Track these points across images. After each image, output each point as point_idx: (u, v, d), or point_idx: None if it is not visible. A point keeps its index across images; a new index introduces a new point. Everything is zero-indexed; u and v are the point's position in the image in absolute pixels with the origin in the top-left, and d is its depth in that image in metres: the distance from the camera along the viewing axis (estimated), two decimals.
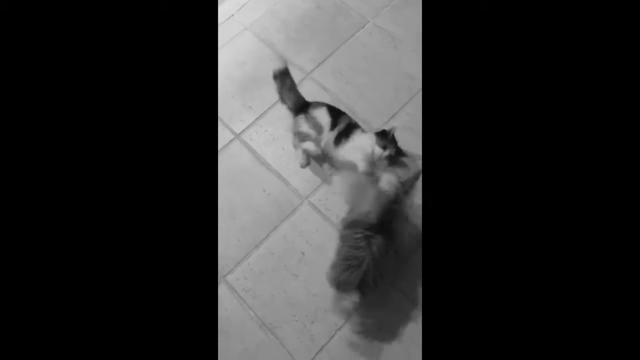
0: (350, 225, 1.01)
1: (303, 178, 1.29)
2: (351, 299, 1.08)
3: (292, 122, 1.32)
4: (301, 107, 1.31)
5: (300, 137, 1.29)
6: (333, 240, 1.19)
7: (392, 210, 1.00)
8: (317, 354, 1.08)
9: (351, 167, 1.23)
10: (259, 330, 1.11)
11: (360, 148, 1.21)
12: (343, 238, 1.02)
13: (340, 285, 1.01)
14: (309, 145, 1.27)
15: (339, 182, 1.25)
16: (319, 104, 1.30)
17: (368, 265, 0.97)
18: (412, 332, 1.08)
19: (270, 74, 1.36)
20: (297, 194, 1.27)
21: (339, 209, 1.24)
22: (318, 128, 1.27)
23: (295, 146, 1.31)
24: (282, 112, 1.39)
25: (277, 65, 1.33)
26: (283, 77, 1.33)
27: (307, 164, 1.29)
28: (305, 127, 1.28)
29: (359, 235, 0.98)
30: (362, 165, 1.21)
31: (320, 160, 1.30)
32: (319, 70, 1.45)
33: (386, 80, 1.40)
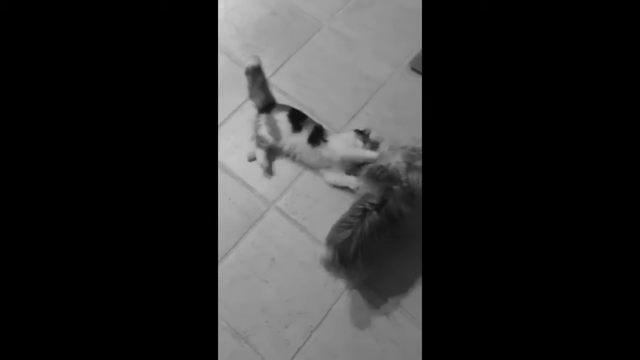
0: (361, 198, 1.08)
1: (268, 184, 1.29)
2: (332, 268, 1.04)
3: (254, 120, 1.32)
4: (268, 106, 1.32)
5: (257, 141, 1.30)
6: (302, 243, 1.20)
7: (392, 191, 1.04)
8: (293, 357, 1.07)
9: (341, 162, 1.25)
10: (233, 340, 1.09)
11: (346, 142, 1.24)
12: (351, 206, 1.08)
13: (328, 241, 1.04)
14: (260, 152, 1.29)
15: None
16: (283, 107, 1.31)
17: (354, 234, 1.00)
18: (385, 327, 1.10)
19: (226, 81, 1.36)
20: (263, 199, 1.27)
21: (306, 211, 1.24)
22: (276, 134, 1.27)
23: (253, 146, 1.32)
24: (244, 119, 1.38)
25: (251, 62, 1.33)
26: (255, 74, 1.33)
27: (266, 167, 1.29)
28: (264, 131, 1.28)
29: (359, 207, 1.04)
30: (352, 158, 1.23)
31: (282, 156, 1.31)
32: (277, 75, 1.45)
33: (344, 82, 1.43)
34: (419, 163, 1.07)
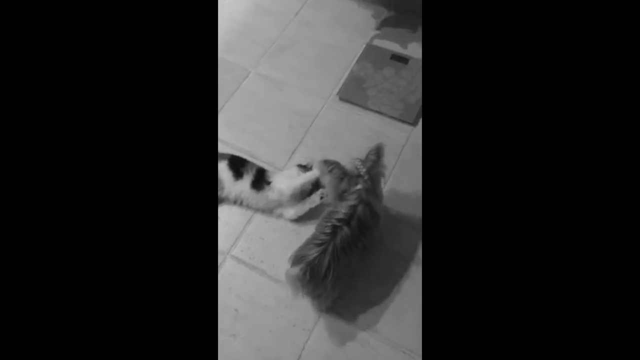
0: (326, 216, 1.06)
1: (221, 234, 1.26)
2: (300, 285, 1.00)
3: None
4: None
5: None
6: (264, 287, 1.17)
7: (361, 202, 1.04)
8: None
9: (295, 195, 1.25)
10: None
11: (290, 179, 1.25)
12: (317, 226, 1.06)
13: (295, 259, 1.01)
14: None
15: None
16: (222, 156, 1.31)
17: (325, 251, 0.98)
18: (361, 356, 1.07)
19: None
20: (218, 251, 1.24)
21: (263, 254, 1.23)
22: (219, 184, 1.27)
23: None
24: None
25: None
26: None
27: None
28: None
29: (328, 224, 1.02)
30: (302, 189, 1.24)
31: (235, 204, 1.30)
32: None
33: (279, 121, 1.47)
34: (369, 161, 1.08)
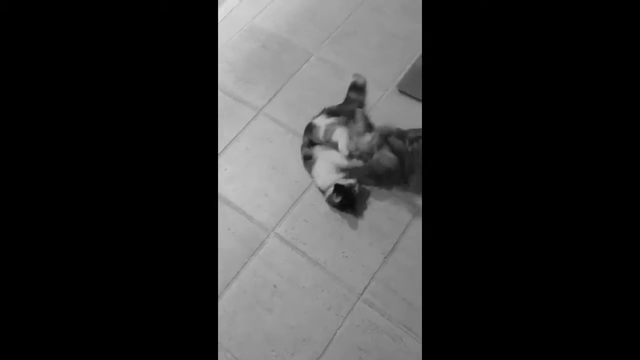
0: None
1: (267, 211, 1.30)
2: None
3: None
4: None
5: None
6: (303, 269, 1.21)
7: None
8: None
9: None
10: None
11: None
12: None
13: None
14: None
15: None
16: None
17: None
18: (390, 348, 1.08)
19: (222, 114, 1.42)
20: (263, 227, 1.28)
21: (305, 236, 1.25)
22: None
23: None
24: (240, 150, 1.41)
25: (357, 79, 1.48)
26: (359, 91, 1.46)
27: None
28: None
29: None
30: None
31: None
32: (270, 105, 1.50)
33: None
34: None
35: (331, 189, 1.26)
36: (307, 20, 1.68)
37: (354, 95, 1.45)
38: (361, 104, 1.45)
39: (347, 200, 1.24)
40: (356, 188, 1.25)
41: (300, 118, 1.45)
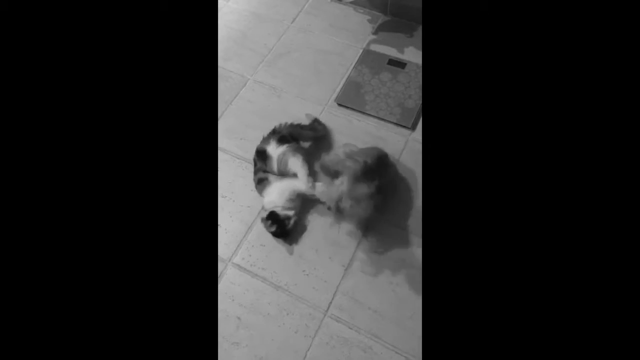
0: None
1: (222, 242, 1.27)
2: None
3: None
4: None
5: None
6: (266, 295, 1.18)
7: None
8: None
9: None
10: None
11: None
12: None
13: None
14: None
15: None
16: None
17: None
18: None
19: None
20: (220, 259, 1.24)
21: (264, 261, 1.23)
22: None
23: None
24: None
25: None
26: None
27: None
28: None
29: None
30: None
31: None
32: None
33: None
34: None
35: (266, 214, 1.24)
36: (239, 46, 1.69)
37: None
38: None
39: (280, 230, 1.22)
40: (292, 220, 1.22)
41: (245, 143, 1.44)
